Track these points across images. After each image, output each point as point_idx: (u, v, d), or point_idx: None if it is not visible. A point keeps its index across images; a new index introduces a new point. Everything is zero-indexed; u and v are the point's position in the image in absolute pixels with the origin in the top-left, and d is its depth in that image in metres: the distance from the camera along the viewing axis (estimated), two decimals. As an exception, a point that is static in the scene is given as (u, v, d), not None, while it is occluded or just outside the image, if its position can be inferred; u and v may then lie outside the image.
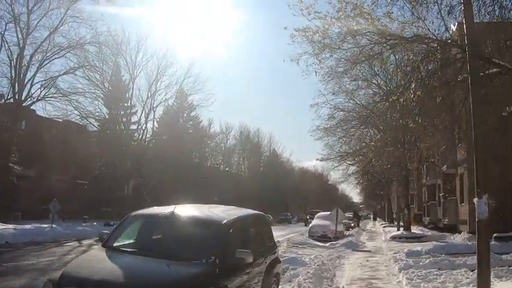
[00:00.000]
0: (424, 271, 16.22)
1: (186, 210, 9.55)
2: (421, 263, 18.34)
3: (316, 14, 14.64)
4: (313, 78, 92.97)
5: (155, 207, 10.10)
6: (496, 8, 13.70)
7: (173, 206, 9.38)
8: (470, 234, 30.18)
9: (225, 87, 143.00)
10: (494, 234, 26.62)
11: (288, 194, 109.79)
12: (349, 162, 49.67)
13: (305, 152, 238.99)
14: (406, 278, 15.48)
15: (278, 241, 31.07)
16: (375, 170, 48.84)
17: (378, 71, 31.86)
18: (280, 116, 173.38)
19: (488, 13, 14.03)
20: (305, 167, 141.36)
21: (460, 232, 33.02)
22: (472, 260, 18.41)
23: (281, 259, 20.60)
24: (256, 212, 11.65)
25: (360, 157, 45.73)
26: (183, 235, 8.92)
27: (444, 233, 35.82)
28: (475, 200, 11.87)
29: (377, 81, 37.35)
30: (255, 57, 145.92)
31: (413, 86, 14.87)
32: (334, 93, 33.58)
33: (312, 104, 39.72)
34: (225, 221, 9.00)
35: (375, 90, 37.66)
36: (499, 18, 14.02)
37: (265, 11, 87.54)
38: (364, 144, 43.05)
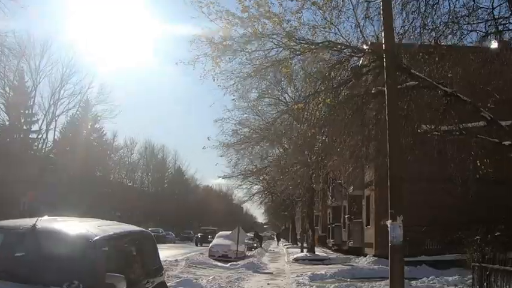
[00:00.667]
0: (329, 298, 15.02)
1: (51, 224, 7.75)
2: (325, 289, 17.19)
3: (218, 13, 13.24)
4: (219, 93, 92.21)
5: (20, 219, 8.27)
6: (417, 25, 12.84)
7: (37, 218, 7.58)
8: (376, 258, 29.62)
9: (130, 99, 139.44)
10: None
11: (192, 212, 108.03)
12: (253, 181, 48.51)
13: (211, 170, 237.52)
14: (310, 307, 14.23)
15: (177, 260, 29.73)
16: (279, 190, 48.05)
17: (283, 78, 30.60)
18: (186, 133, 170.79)
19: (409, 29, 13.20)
20: (210, 185, 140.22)
21: (365, 255, 32.41)
22: (380, 286, 17.46)
23: (176, 280, 19.24)
24: (139, 228, 9.98)
25: (264, 176, 44.69)
26: (44, 254, 7.15)
27: (349, 256, 35.15)
28: (389, 222, 10.69)
29: (283, 90, 36.08)
30: (162, 72, 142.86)
31: (322, 94, 13.71)
32: (235, 100, 31.40)
33: (216, 120, 38.10)
34: (96, 238, 7.25)
35: (281, 99, 36.45)
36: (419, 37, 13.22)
37: (180, 21, 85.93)
38: (267, 162, 42.02)
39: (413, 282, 18.10)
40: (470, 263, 18.91)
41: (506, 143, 12.92)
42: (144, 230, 10.16)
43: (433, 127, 13.86)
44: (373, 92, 13.78)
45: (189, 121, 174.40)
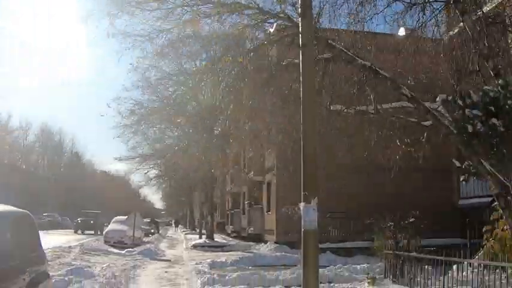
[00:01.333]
0: (232, 289, 13.77)
1: None
2: (227, 278, 15.88)
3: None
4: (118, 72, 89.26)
5: None
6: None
7: None
8: (277, 245, 28.88)
9: (27, 79, 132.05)
10: None
11: (89, 198, 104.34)
12: (150, 165, 46.65)
13: (109, 155, 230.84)
14: (211, 299, 12.93)
15: (70, 246, 27.69)
16: (177, 175, 46.47)
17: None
18: (85, 116, 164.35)
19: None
20: (108, 170, 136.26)
21: (266, 242, 31.56)
22: (285, 274, 16.45)
23: (67, 268, 17.42)
24: (14, 208, 8.33)
25: (162, 159, 43.04)
26: None
27: (249, 243, 34.23)
28: (302, 205, 9.55)
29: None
30: (64, 53, 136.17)
31: (229, 59, 12.33)
32: (132, 64, 28.51)
33: (114, 98, 35.82)
34: None
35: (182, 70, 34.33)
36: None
37: None
38: (167, 144, 40.33)
39: (320, 271, 17.18)
40: (379, 251, 18.42)
41: (427, 123, 12.11)
42: (21, 210, 8.52)
43: (344, 108, 12.83)
44: (284, 63, 12.59)
45: (90, 103, 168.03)
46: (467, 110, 9.51)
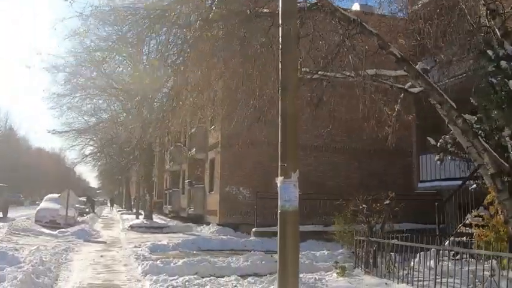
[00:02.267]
0: (179, 280, 11.64)
1: None
2: (172, 265, 13.83)
3: None
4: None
5: None
6: None
7: None
8: (220, 227, 27.04)
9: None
10: (254, 229, 23.67)
11: (23, 175, 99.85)
12: (86, 141, 43.97)
13: (45, 132, 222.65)
14: (157, 292, 10.87)
15: (-4, 226, 25.34)
16: (114, 151, 43.91)
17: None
18: (20, 91, 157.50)
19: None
20: (43, 146, 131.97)
21: (208, 223, 29.61)
22: (238, 261, 14.59)
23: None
24: None
25: (98, 134, 40.44)
26: None
27: (189, 224, 32.26)
28: (279, 180, 7.64)
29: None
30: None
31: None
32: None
33: (48, 67, 33.03)
34: None
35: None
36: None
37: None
38: (106, 117, 37.81)
39: (275, 256, 15.37)
40: (341, 237, 16.76)
41: (415, 90, 10.40)
42: None
43: (318, 71, 10.95)
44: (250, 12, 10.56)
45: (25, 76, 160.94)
46: (504, 62, 7.74)
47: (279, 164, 7.76)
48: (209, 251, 18.64)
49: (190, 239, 21.01)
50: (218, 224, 27.76)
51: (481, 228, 10.96)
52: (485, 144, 10.01)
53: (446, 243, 13.67)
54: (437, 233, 15.53)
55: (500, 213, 10.36)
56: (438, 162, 14.64)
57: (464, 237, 12.86)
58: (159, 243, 20.05)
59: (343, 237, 16.22)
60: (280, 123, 7.78)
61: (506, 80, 7.51)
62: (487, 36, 9.96)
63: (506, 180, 10.05)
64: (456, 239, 13.60)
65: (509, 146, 11.43)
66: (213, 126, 30.74)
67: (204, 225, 29.54)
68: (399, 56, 9.94)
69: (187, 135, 37.31)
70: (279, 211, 7.66)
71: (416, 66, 10.63)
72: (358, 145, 28.89)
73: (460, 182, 16.27)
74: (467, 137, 10.00)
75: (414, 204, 25.34)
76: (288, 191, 7.61)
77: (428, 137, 14.55)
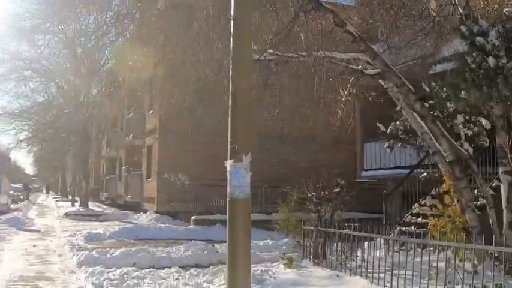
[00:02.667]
0: (117, 272, 10.78)
1: None
2: (109, 255, 12.92)
3: None
4: None
5: None
6: None
7: None
8: (158, 215, 26.21)
9: None
10: (193, 217, 22.91)
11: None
12: (21, 124, 41.94)
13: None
14: (92, 285, 9.94)
15: None
16: (50, 136, 42.12)
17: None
18: None
19: None
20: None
21: (145, 211, 28.62)
22: (178, 252, 13.81)
23: None
24: None
25: (34, 119, 38.67)
26: None
27: (126, 211, 31.22)
28: (229, 163, 6.88)
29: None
30: None
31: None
32: None
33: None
34: None
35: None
36: None
37: None
38: (39, 100, 36.14)
39: (217, 246, 14.64)
40: (286, 226, 16.16)
41: (371, 71, 9.80)
42: None
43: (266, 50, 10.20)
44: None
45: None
46: (481, 39, 7.16)
47: (229, 145, 6.96)
48: (147, 240, 17.75)
49: (127, 227, 20.03)
50: (156, 212, 26.89)
51: (435, 218, 10.48)
52: (444, 131, 9.57)
53: (392, 233, 13.32)
54: (385, 223, 15.20)
55: (457, 202, 9.93)
56: (388, 149, 14.26)
57: (412, 227, 12.42)
58: (95, 231, 19.02)
59: (288, 226, 15.61)
60: (230, 100, 7.02)
61: (485, 56, 6.96)
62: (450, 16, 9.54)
63: (464, 167, 9.68)
64: (403, 228, 13.20)
65: (462, 133, 11.11)
66: (151, 111, 29.72)
67: (142, 213, 28.59)
68: (356, 35, 9.35)
69: (124, 121, 36.08)
70: (228, 198, 6.90)
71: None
72: (303, 132, 28.51)
73: (405, 171, 15.95)
74: (426, 123, 9.54)
75: (360, 193, 25.27)
76: (238, 175, 6.85)
77: (378, 123, 14.13)
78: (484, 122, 10.44)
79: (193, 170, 26.76)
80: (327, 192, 12.53)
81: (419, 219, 13.51)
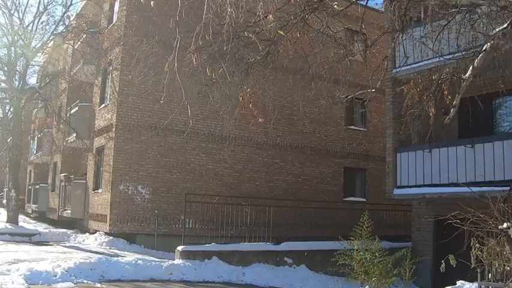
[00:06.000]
0: None
1: None
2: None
3: None
4: None
5: None
6: None
7: None
8: (111, 237, 20.45)
9: None
10: (180, 248, 16.87)
11: None
12: None
13: None
14: None
15: None
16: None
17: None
18: None
19: None
20: None
21: (92, 232, 22.51)
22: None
23: None
24: None
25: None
26: None
27: (64, 230, 24.86)
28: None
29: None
30: None
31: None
32: None
33: None
34: None
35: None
36: None
37: None
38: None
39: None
40: (361, 270, 10.61)
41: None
42: None
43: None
44: None
45: None
46: None
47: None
48: (120, 284, 11.94)
49: (86, 262, 13.31)
50: (107, 234, 20.88)
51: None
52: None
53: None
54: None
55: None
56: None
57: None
58: (39, 268, 12.50)
59: (373, 271, 10.01)
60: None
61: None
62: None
63: None
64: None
65: None
66: (104, 104, 23.71)
67: (87, 234, 22.47)
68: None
69: (64, 116, 29.43)
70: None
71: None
72: (293, 140, 24.79)
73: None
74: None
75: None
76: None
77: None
78: None
79: (157, 181, 21.41)
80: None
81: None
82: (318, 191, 25.05)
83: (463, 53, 9.27)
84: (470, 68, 8.39)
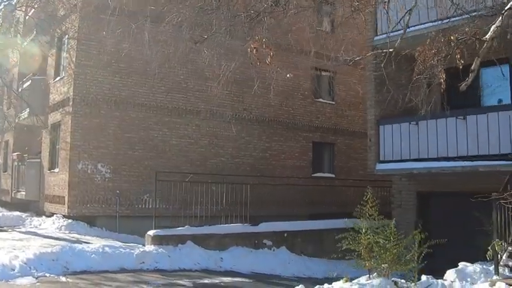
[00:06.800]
0: None
1: None
2: None
3: None
4: None
5: None
6: None
7: None
8: (70, 220, 19.01)
9: None
10: (152, 233, 15.68)
11: None
12: None
13: None
14: None
15: None
16: None
17: None
18: None
19: None
20: None
21: (48, 215, 21.08)
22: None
23: None
24: None
25: None
26: None
27: (17, 213, 23.15)
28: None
29: None
30: None
31: None
32: None
33: None
34: None
35: None
36: None
37: None
38: None
39: None
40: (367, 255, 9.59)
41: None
42: None
43: None
44: None
45: None
46: None
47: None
48: (87, 276, 10.76)
49: (48, 252, 11.87)
50: (65, 217, 19.48)
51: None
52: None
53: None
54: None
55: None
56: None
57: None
58: None
59: (385, 257, 8.94)
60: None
61: None
62: None
63: None
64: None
65: None
66: (60, 77, 22.13)
67: (44, 217, 20.99)
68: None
69: (16, 91, 27.74)
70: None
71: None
72: (260, 113, 23.72)
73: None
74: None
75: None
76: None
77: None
78: None
79: (118, 158, 20.16)
80: None
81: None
82: (286, 167, 24.11)
83: (479, 12, 8.39)
84: (492, 28, 7.47)
